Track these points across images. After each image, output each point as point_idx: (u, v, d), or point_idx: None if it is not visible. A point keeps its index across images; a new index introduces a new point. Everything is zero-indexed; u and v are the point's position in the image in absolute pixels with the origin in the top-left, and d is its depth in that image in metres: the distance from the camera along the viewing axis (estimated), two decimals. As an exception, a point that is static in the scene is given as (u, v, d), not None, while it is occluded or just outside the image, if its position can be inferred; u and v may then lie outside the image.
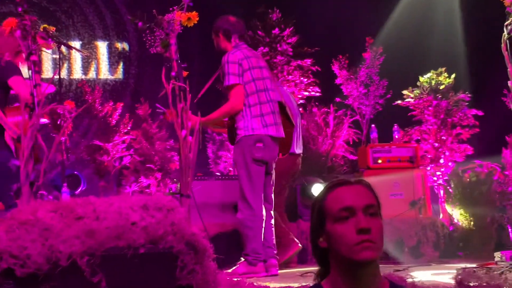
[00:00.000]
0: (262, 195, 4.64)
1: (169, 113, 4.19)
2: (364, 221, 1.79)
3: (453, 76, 7.11)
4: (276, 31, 7.81)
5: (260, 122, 4.63)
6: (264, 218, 4.61)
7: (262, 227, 4.58)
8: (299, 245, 5.38)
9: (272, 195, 4.80)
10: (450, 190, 6.62)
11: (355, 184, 1.88)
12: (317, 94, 7.82)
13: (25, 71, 4.35)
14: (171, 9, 4.24)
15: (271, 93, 4.80)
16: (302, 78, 7.78)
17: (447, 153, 6.94)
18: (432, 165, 6.94)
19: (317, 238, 1.90)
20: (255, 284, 3.37)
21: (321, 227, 1.88)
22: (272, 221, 4.75)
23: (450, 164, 6.93)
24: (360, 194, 1.85)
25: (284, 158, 5.11)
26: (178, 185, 5.00)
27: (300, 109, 7.69)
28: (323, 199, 1.89)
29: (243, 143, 4.63)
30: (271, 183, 4.79)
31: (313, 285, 1.95)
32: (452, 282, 3.29)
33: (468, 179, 6.55)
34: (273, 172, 4.79)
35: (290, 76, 7.76)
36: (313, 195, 6.07)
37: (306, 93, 7.80)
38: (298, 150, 5.66)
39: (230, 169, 7.54)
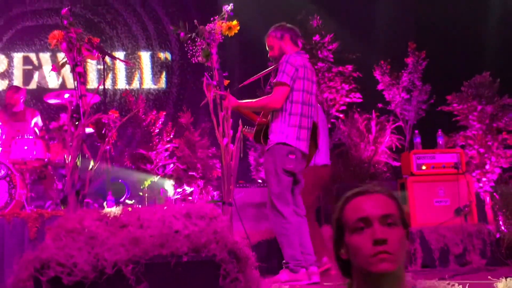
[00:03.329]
0: (291, 202, 4.63)
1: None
2: (380, 231, 1.73)
3: (498, 80, 6.97)
4: (316, 37, 7.79)
5: (295, 133, 4.60)
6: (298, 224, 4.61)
7: (296, 233, 4.55)
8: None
9: (302, 202, 4.79)
10: (497, 196, 6.47)
11: (374, 193, 1.81)
12: (359, 100, 7.76)
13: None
14: (212, 18, 4.29)
15: (313, 110, 4.79)
16: (343, 84, 7.73)
17: (492, 159, 6.80)
18: (478, 171, 6.81)
19: (339, 250, 1.85)
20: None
21: (341, 238, 1.83)
22: (307, 229, 4.74)
23: (496, 170, 6.79)
24: (378, 203, 1.78)
25: (313, 169, 5.12)
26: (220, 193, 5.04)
27: (342, 115, 7.66)
28: (341, 210, 1.84)
29: (275, 152, 4.60)
30: (300, 191, 4.79)
31: None
32: (500, 291, 3.22)
33: (515, 185, 6.40)
34: (302, 180, 4.77)
35: (331, 83, 7.72)
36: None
37: (348, 99, 7.75)
38: (326, 160, 5.69)
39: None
